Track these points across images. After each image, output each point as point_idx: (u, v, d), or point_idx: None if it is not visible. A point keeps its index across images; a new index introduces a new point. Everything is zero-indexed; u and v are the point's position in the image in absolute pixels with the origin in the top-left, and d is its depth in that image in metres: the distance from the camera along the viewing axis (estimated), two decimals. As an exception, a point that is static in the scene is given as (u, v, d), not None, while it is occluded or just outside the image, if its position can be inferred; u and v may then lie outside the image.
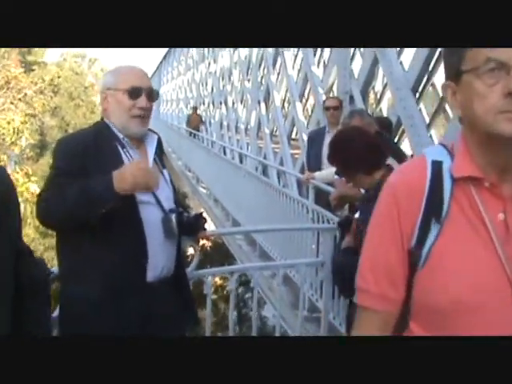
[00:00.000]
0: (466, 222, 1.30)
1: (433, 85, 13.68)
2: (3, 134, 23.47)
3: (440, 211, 1.30)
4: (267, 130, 13.78)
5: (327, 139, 6.30)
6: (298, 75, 14.42)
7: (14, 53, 31.24)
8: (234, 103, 18.36)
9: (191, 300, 2.89)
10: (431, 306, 1.33)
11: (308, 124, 12.87)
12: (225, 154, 14.87)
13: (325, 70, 14.62)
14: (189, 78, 27.27)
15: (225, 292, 15.12)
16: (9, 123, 23.67)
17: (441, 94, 14.50)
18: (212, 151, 14.37)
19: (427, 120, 11.38)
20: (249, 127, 15.80)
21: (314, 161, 6.40)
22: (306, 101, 19.71)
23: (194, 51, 25.47)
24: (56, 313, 2.58)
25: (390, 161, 3.79)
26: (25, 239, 1.99)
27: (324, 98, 9.65)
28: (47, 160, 31.56)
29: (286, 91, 16.78)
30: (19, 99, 27.44)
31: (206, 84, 23.15)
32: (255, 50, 15.23)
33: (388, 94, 16.45)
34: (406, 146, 8.82)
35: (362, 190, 3.40)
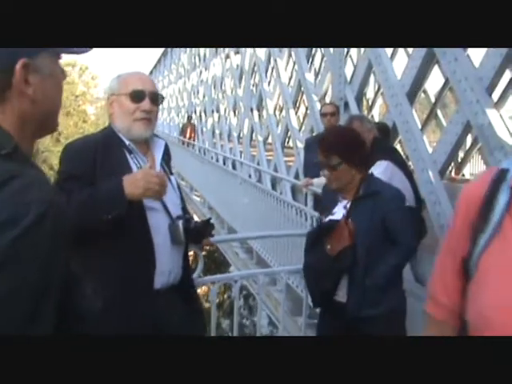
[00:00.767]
0: None
1: (424, 91, 13.76)
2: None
3: (488, 222, 1.23)
4: (260, 137, 13.77)
5: (324, 146, 6.32)
6: (288, 83, 14.44)
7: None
8: (226, 111, 18.34)
9: (198, 306, 2.89)
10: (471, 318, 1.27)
11: (300, 131, 12.87)
12: (217, 161, 14.87)
13: (317, 77, 14.67)
14: (180, 87, 27.23)
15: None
16: None
17: (432, 100, 14.61)
18: (206, 159, 14.36)
19: (419, 126, 11.40)
20: (241, 135, 15.79)
21: (312, 167, 6.40)
22: (298, 108, 19.73)
23: (185, 59, 25.45)
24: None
25: (380, 169, 3.84)
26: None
27: (318, 104, 9.68)
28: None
29: (278, 98, 16.78)
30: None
31: (198, 92, 23.11)
32: (247, 57, 15.24)
33: (380, 101, 16.55)
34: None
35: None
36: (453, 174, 14.47)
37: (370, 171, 3.44)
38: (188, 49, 24.04)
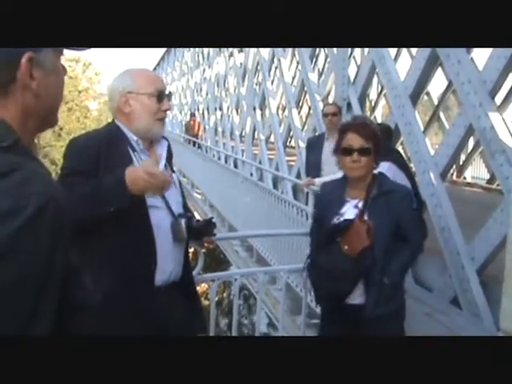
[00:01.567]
0: None
1: (427, 93, 13.76)
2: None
3: None
4: (262, 136, 13.77)
5: (326, 146, 6.33)
6: (291, 82, 14.44)
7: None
8: (229, 109, 18.33)
9: (199, 305, 2.89)
10: None
11: (303, 130, 12.87)
12: (219, 159, 14.86)
13: (320, 77, 14.66)
14: (183, 84, 27.20)
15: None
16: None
17: (435, 103, 14.61)
18: (208, 157, 14.36)
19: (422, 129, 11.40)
20: (244, 133, 15.79)
21: (314, 167, 6.42)
22: (301, 108, 19.76)
23: (188, 57, 25.43)
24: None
25: (382, 170, 3.85)
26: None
27: (321, 104, 9.68)
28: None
29: (281, 98, 16.78)
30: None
31: (201, 90, 23.09)
32: (251, 56, 15.25)
33: (382, 102, 16.56)
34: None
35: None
36: (454, 176, 14.48)
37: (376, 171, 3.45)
38: (192, 46, 24.04)
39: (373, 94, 15.89)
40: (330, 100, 10.65)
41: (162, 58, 34.72)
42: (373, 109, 16.51)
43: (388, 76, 7.29)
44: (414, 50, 12.45)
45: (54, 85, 1.31)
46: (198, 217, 3.39)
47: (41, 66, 1.24)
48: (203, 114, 22.04)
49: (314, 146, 6.64)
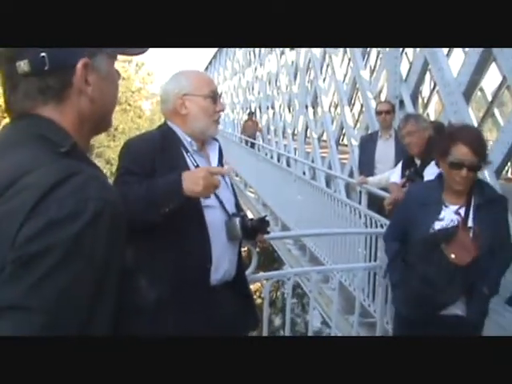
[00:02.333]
0: None
1: (481, 89, 13.51)
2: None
3: None
4: (315, 134, 13.74)
5: (380, 144, 6.29)
6: (343, 80, 14.39)
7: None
8: (281, 108, 18.31)
9: (252, 303, 2.91)
10: None
11: (355, 128, 12.81)
12: (272, 158, 14.86)
13: (372, 75, 14.53)
14: (235, 84, 27.30)
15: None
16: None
17: (489, 99, 14.35)
18: (260, 156, 14.37)
19: (475, 125, 11.22)
20: (296, 132, 15.77)
21: (367, 165, 6.38)
22: (353, 105, 19.63)
23: (240, 56, 25.50)
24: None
25: (435, 169, 3.78)
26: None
27: (373, 102, 9.62)
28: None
29: (333, 96, 16.71)
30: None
31: (253, 89, 23.13)
32: (302, 54, 15.21)
33: (435, 99, 16.33)
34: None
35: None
36: (509, 174, 14.19)
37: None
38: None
39: (425, 91, 15.67)
40: (382, 98, 10.57)
41: (214, 57, 34.87)
42: (425, 106, 16.29)
43: (441, 73, 7.19)
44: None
45: (108, 89, 1.34)
46: (251, 216, 3.41)
47: (96, 72, 1.28)
48: (255, 112, 22.07)
49: (368, 144, 6.60)
